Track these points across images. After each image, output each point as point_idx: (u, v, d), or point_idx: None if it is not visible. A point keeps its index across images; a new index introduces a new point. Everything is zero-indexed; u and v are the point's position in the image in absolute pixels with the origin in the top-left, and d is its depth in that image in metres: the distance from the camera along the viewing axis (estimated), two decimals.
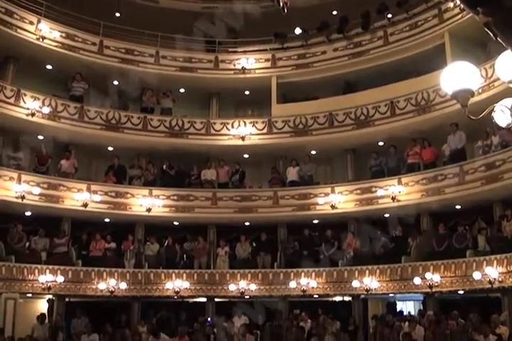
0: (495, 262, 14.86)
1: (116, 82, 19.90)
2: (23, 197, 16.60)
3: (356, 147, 19.71)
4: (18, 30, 17.94)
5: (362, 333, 12.04)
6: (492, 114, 3.66)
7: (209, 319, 16.98)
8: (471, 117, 3.49)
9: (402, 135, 17.96)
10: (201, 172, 19.74)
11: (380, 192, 17.66)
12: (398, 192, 17.24)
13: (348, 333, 11.61)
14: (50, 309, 17.66)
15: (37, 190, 17.10)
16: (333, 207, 18.11)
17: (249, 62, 21.04)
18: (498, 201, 16.40)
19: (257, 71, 21.09)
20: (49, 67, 19.46)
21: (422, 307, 17.78)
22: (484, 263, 15.08)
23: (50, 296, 17.64)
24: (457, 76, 3.51)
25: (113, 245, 18.47)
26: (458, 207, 17.13)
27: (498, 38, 2.69)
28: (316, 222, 19.24)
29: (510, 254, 14.58)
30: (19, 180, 16.82)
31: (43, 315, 15.91)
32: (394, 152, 18.54)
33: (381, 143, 19.00)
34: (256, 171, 21.00)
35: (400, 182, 17.41)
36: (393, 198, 17.26)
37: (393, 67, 18.88)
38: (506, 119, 3.67)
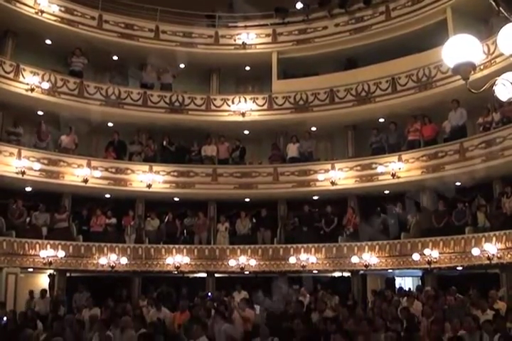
0: (494, 238, 14.92)
1: (115, 57, 19.75)
2: (23, 173, 16.61)
3: (357, 123, 19.65)
4: (17, 4, 17.74)
5: (361, 308, 12.11)
6: (493, 88, 3.63)
7: (209, 293, 17.11)
8: (473, 91, 3.46)
9: (403, 111, 17.91)
10: (201, 149, 19.72)
11: (380, 169, 17.67)
12: (398, 169, 17.24)
13: (347, 308, 11.67)
14: (51, 284, 17.81)
15: (37, 166, 17.11)
16: (333, 183, 18.14)
17: (250, 38, 20.87)
18: (498, 178, 16.42)
19: (257, 46, 20.94)
20: (48, 41, 19.32)
21: (420, 284, 17.92)
22: (483, 239, 15.14)
23: (51, 271, 17.78)
24: (459, 49, 3.47)
25: (113, 221, 18.56)
26: (458, 183, 17.14)
27: (501, 8, 2.66)
28: (316, 198, 19.30)
29: (509, 231, 14.64)
30: (19, 156, 16.81)
31: (44, 289, 16.04)
32: (394, 129, 18.49)
33: (382, 120, 18.96)
34: (256, 147, 21.01)
35: (400, 159, 17.41)
36: (393, 175, 17.28)
37: (395, 43, 18.72)
38: (508, 93, 3.64)
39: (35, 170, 17.09)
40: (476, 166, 15.80)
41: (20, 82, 17.38)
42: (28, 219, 17.51)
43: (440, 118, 17.32)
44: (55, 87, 18.15)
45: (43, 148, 18.05)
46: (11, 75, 17.19)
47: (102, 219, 18.38)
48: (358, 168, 18.23)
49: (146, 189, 18.48)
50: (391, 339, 6.75)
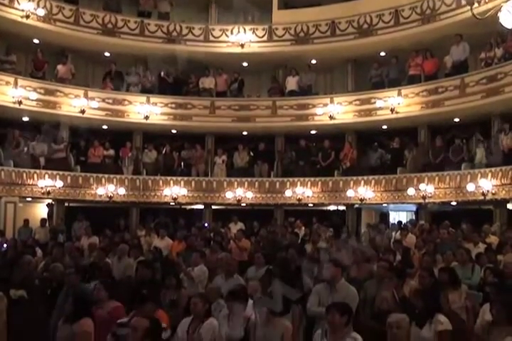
0: (489, 175, 15.04)
1: None
2: (20, 103, 16.46)
3: (357, 57, 19.31)
4: None
5: (354, 240, 12.35)
6: (498, 15, 3.53)
7: (206, 224, 17.39)
8: (477, 17, 3.38)
9: (405, 46, 17.57)
10: (199, 81, 19.46)
11: (379, 104, 17.54)
12: (397, 104, 17.11)
13: (341, 240, 11.90)
14: (50, 213, 18.04)
15: (34, 95, 16.92)
16: (331, 117, 18.04)
17: None
18: (497, 115, 16.35)
19: None
20: None
21: (414, 218, 18.19)
22: (479, 175, 15.26)
23: (50, 201, 17.97)
24: None
25: (111, 152, 18.58)
26: (456, 120, 17.08)
27: None
28: (313, 132, 19.25)
29: (505, 167, 14.74)
30: (15, 85, 16.61)
31: (43, 219, 16.27)
32: (395, 63, 18.21)
33: (383, 54, 18.62)
34: (255, 80, 20.73)
35: (399, 94, 17.25)
36: (392, 110, 17.16)
37: None
38: None
39: (32, 100, 16.92)
40: (475, 102, 15.69)
41: (15, 8, 16.88)
42: (25, 149, 17.51)
43: (442, 53, 17.03)
44: (51, 14, 17.67)
45: (39, 78, 17.80)
46: (6, 1, 16.68)
47: (100, 151, 18.39)
48: (357, 102, 18.09)
49: (144, 121, 18.38)
50: (383, 269, 6.88)
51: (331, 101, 18.29)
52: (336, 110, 18.02)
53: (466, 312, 6.09)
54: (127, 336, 3.98)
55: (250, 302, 5.93)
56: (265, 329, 5.39)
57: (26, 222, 15.63)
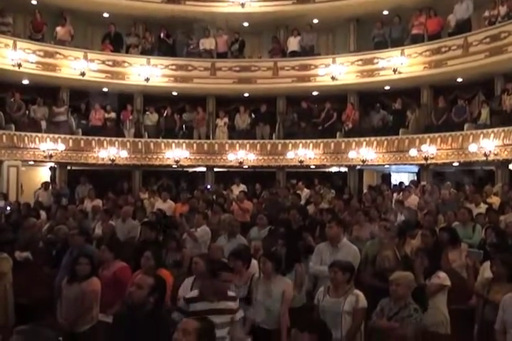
0: (492, 135, 14.98)
1: None
2: (19, 65, 16.28)
3: (360, 16, 18.95)
4: None
5: (356, 201, 12.39)
6: None
7: (209, 186, 17.45)
8: None
9: (408, 4, 17.28)
10: (199, 42, 19.21)
11: (381, 64, 17.34)
12: (400, 64, 16.89)
13: (343, 201, 11.94)
14: (53, 177, 18.11)
15: (33, 58, 16.74)
16: (333, 78, 17.84)
17: None
18: (500, 74, 16.18)
19: None
20: None
21: (416, 179, 18.23)
22: (481, 136, 15.21)
23: (52, 164, 18.01)
24: None
25: (112, 115, 18.50)
26: (459, 80, 16.93)
27: None
28: (315, 93, 19.11)
29: (508, 128, 14.67)
30: (15, 47, 16.40)
31: (46, 182, 16.33)
32: (398, 22, 17.91)
33: (386, 13, 18.27)
34: (256, 41, 20.47)
35: (402, 54, 17.01)
36: (395, 70, 16.97)
37: None
38: None
39: (32, 63, 16.74)
40: (478, 62, 15.51)
41: None
42: (26, 113, 17.46)
43: (446, 12, 16.72)
44: None
45: (38, 40, 17.59)
46: None
47: (101, 113, 18.32)
48: (360, 62, 17.87)
49: (144, 83, 18.22)
50: (384, 228, 6.94)
51: (333, 62, 18.07)
52: (338, 71, 17.82)
53: (467, 270, 6.17)
54: (133, 292, 4.02)
55: (253, 261, 6.00)
56: (267, 286, 5.47)
57: (44, 184, 15.74)
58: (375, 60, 17.58)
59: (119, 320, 4.32)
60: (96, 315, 5.60)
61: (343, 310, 4.87)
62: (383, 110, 18.00)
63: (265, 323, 5.39)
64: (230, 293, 4.89)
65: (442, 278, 5.59)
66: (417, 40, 17.29)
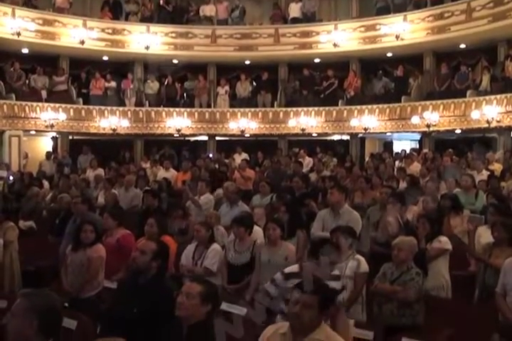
0: (494, 102, 14.91)
1: None
2: (18, 34, 16.10)
3: None
4: None
5: (358, 168, 12.42)
6: None
7: (211, 155, 17.46)
8: None
9: None
10: (199, 8, 18.97)
11: (384, 30, 17.12)
12: (403, 30, 16.69)
13: (345, 169, 11.95)
14: (55, 146, 18.11)
15: (32, 26, 16.54)
16: (335, 45, 17.62)
17: None
18: (504, 40, 16.01)
19: None
20: None
21: (418, 147, 18.21)
22: (484, 102, 15.14)
23: (54, 134, 17.99)
24: None
25: (113, 84, 18.38)
26: (462, 46, 16.75)
27: None
28: (317, 61, 18.91)
29: (511, 94, 14.58)
30: (13, 15, 16.19)
31: (48, 152, 16.36)
32: None
33: None
34: (256, 7, 20.18)
35: (405, 20, 16.79)
36: (397, 36, 16.77)
37: None
38: None
39: (31, 31, 16.54)
40: (481, 27, 15.33)
41: None
42: (26, 82, 17.36)
43: None
44: None
45: (36, 7, 17.36)
46: None
47: (101, 82, 18.20)
48: (362, 29, 17.63)
49: (145, 51, 18.01)
50: (386, 195, 6.96)
51: (335, 28, 17.83)
52: (340, 37, 17.60)
53: (468, 235, 6.20)
54: (136, 257, 4.05)
55: (256, 228, 6.05)
56: (270, 252, 5.53)
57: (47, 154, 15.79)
58: (378, 26, 17.37)
59: (122, 285, 4.37)
60: (101, 281, 5.66)
61: (345, 275, 4.92)
62: (385, 77, 17.86)
63: None
64: (334, 272, 4.57)
65: (443, 242, 5.63)
66: (419, 5, 17.06)
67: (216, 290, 3.49)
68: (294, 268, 4.69)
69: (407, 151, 15.76)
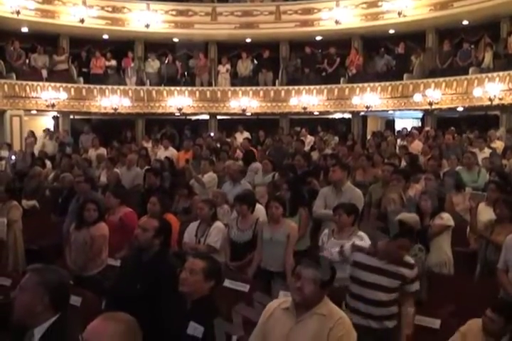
0: (497, 79, 14.82)
1: None
2: (18, 12, 15.95)
3: None
4: None
5: (360, 147, 12.40)
6: None
7: (212, 134, 17.41)
8: None
9: None
10: None
11: (386, 7, 16.92)
12: (405, 7, 16.50)
13: (347, 147, 11.92)
14: (56, 126, 18.09)
15: (31, 4, 16.37)
16: (337, 22, 17.45)
17: None
18: (507, 17, 15.84)
19: None
20: None
21: (420, 125, 18.15)
22: (486, 80, 15.03)
23: (55, 113, 17.95)
24: None
25: (113, 63, 18.30)
26: (465, 22, 16.58)
27: None
28: (319, 38, 18.75)
29: None
30: None
31: (45, 129, 16.33)
32: None
33: None
34: None
35: None
36: (399, 13, 16.58)
37: None
38: None
39: (31, 10, 16.39)
40: (485, 3, 15.14)
41: None
42: (27, 62, 17.27)
43: None
44: None
45: None
46: None
47: (102, 61, 18.10)
48: (364, 5, 17.43)
49: (145, 29, 17.86)
50: (387, 172, 6.96)
51: (337, 5, 17.64)
52: (341, 14, 17.43)
53: (470, 212, 6.22)
54: (138, 235, 4.07)
55: (258, 206, 6.06)
56: (272, 229, 5.55)
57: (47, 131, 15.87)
58: (380, 3, 17.16)
59: (125, 263, 4.40)
60: (105, 259, 5.70)
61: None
62: (387, 55, 17.73)
63: (270, 265, 5.49)
64: (408, 260, 4.37)
65: (445, 218, 5.65)
66: None
67: (219, 266, 3.51)
68: (365, 242, 4.75)
69: (409, 129, 15.72)
